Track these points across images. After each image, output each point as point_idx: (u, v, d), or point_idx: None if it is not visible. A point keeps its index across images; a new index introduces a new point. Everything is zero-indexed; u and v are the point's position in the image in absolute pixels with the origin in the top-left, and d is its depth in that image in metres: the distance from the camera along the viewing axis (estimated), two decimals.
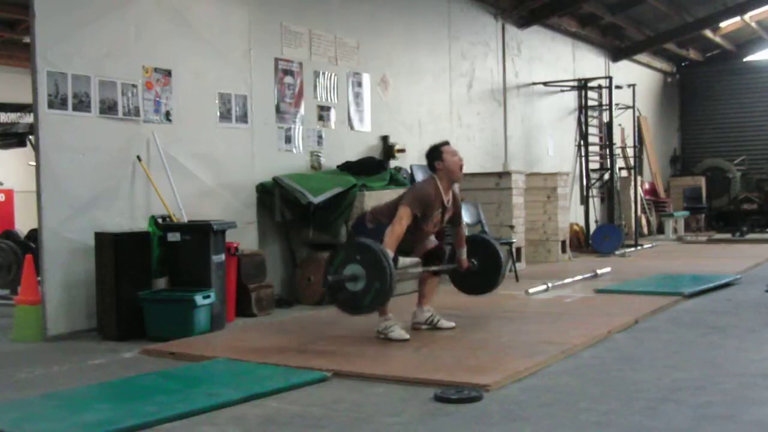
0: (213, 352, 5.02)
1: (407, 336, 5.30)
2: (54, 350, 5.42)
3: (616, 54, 15.50)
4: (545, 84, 12.96)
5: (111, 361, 5.01)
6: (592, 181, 13.56)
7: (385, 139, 9.11)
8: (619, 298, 7.06)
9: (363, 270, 4.90)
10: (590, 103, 13.60)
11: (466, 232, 5.99)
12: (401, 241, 5.24)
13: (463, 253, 5.89)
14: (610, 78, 13.59)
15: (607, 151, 13.76)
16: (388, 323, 5.35)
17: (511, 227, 9.51)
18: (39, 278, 5.91)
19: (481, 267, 6.03)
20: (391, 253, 5.02)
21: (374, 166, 8.06)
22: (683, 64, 18.92)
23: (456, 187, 5.78)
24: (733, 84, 18.53)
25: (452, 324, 5.75)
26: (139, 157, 6.33)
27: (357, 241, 5.10)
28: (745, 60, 18.75)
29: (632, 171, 14.59)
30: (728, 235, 14.86)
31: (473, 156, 10.98)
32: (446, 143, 5.67)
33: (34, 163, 5.91)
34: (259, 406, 3.80)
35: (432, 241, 5.78)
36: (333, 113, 8.38)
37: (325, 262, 5.17)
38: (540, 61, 12.93)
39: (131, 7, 6.38)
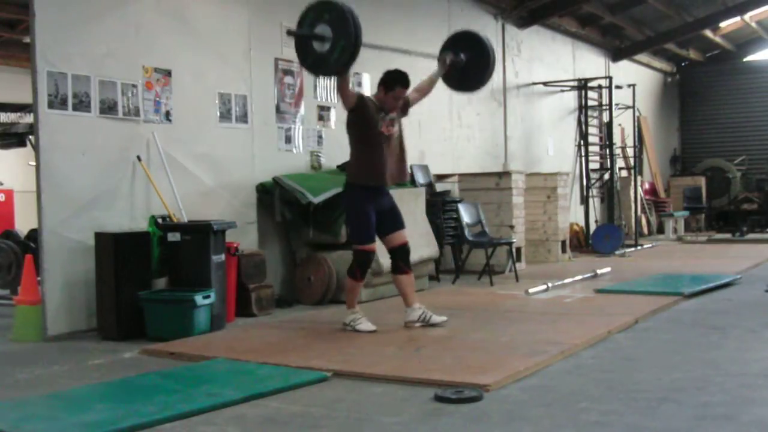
0: (213, 352, 5.02)
1: (374, 327, 5.53)
2: (54, 350, 5.42)
3: (616, 54, 15.50)
4: (545, 84, 12.96)
5: (111, 361, 5.01)
6: (592, 181, 13.56)
7: None
8: (619, 298, 7.06)
9: (330, 30, 5.04)
10: (590, 103, 13.60)
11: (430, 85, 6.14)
12: (371, 153, 5.58)
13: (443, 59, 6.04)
14: (610, 78, 13.59)
15: (607, 151, 13.76)
16: (355, 316, 5.62)
17: (511, 227, 9.51)
18: (39, 278, 5.91)
19: (469, 60, 6.11)
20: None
21: None
22: (683, 64, 18.92)
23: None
24: (733, 84, 18.52)
25: (444, 318, 5.81)
26: (139, 157, 6.33)
27: (326, 0, 5.18)
28: (745, 60, 18.75)
29: (632, 171, 14.59)
30: (728, 235, 14.86)
31: (473, 156, 10.99)
32: (403, 84, 5.69)
33: (34, 163, 5.91)
34: (259, 406, 3.80)
35: (402, 236, 5.82)
36: (333, 113, 8.37)
37: (297, 21, 5.29)
38: (540, 61, 12.93)
39: (131, 7, 6.38)
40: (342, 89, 5.59)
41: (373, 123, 5.62)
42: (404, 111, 5.93)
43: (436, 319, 5.78)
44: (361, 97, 5.69)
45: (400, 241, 5.80)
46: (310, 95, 8.10)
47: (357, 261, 5.68)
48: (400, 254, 5.79)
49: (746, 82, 18.43)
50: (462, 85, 6.36)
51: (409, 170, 6.06)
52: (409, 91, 5.86)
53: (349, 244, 7.30)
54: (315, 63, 5.31)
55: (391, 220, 5.78)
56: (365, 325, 5.58)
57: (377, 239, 5.78)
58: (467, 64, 6.17)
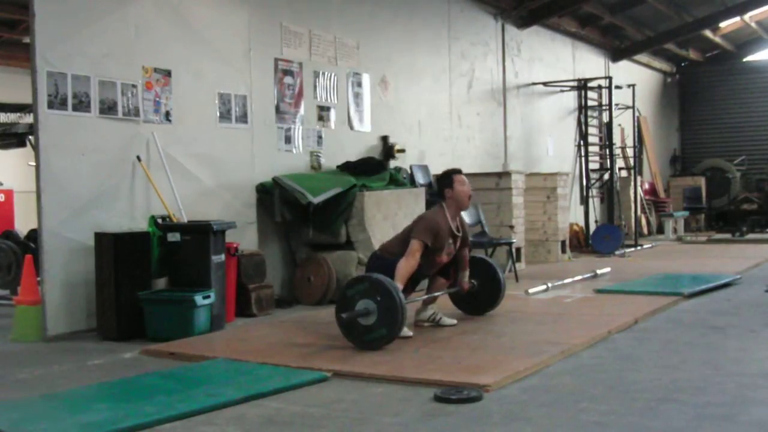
0: (213, 352, 5.02)
1: (410, 333, 5.36)
2: (54, 350, 5.42)
3: (616, 54, 15.50)
4: (545, 84, 12.97)
5: (111, 361, 5.01)
6: (592, 181, 13.56)
7: (384, 139, 9.11)
8: (619, 298, 7.06)
9: (376, 310, 4.92)
10: (590, 103, 13.60)
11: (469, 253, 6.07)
12: (415, 271, 5.36)
13: (466, 275, 5.93)
14: (610, 78, 13.59)
15: (607, 151, 13.75)
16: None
17: (511, 227, 9.50)
18: (39, 278, 5.91)
19: (481, 287, 6.10)
20: (400, 286, 5.10)
21: (374, 166, 8.06)
22: (683, 64, 18.92)
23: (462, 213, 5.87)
24: (733, 84, 18.53)
25: (454, 321, 5.83)
26: (139, 158, 6.33)
27: (385, 284, 4.98)
28: (745, 60, 18.76)
29: (632, 171, 14.59)
30: (728, 235, 14.86)
31: (473, 156, 10.99)
32: (458, 171, 5.76)
33: (34, 163, 5.91)
34: (259, 406, 3.80)
35: (466, 254, 5.87)
36: (333, 113, 8.38)
37: (348, 282, 5.19)
38: (540, 62, 12.93)
39: (131, 7, 6.38)
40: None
41: (437, 248, 5.50)
42: (461, 243, 5.77)
43: (446, 321, 5.80)
44: (430, 234, 5.44)
45: (467, 257, 5.86)
46: (309, 95, 8.10)
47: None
48: (450, 265, 5.78)
49: (746, 82, 18.44)
50: (474, 310, 6.23)
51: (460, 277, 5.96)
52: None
53: (348, 243, 7.36)
54: (351, 330, 5.07)
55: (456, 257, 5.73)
56: (403, 330, 5.28)
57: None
58: (478, 290, 6.09)
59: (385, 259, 5.56)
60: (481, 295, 6.13)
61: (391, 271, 5.27)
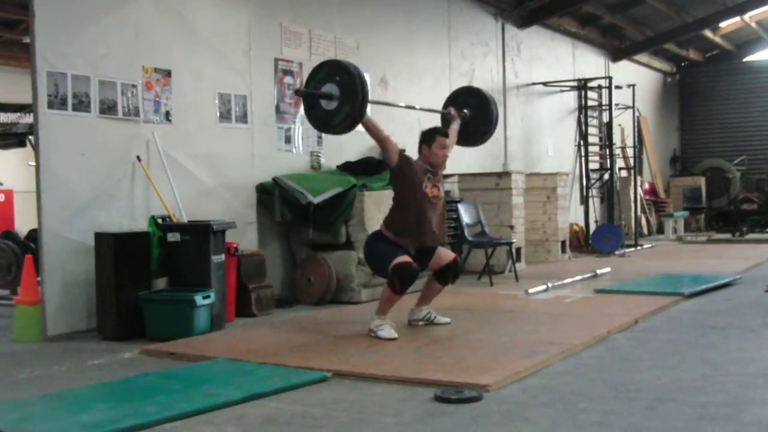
0: (213, 352, 5.02)
1: (395, 335, 5.34)
2: (54, 350, 5.42)
3: (616, 54, 15.50)
4: (545, 84, 12.96)
5: (111, 361, 5.01)
6: (592, 181, 13.56)
7: None
8: (619, 298, 7.06)
9: (339, 91, 5.11)
10: (590, 103, 13.60)
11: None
12: (414, 212, 5.47)
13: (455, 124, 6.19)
14: (610, 78, 13.59)
15: (607, 151, 13.76)
16: (380, 322, 5.43)
17: (511, 227, 9.50)
18: (39, 278, 5.91)
19: (473, 116, 6.25)
20: (370, 117, 5.38)
21: (374, 166, 8.05)
22: (683, 64, 18.92)
23: None
24: (733, 84, 18.53)
25: (447, 320, 5.85)
26: (138, 158, 6.33)
27: (342, 62, 5.28)
28: (745, 60, 18.76)
29: (632, 171, 14.59)
30: (728, 235, 14.86)
31: (473, 156, 10.97)
32: (443, 133, 5.77)
33: (34, 163, 5.91)
34: (259, 406, 3.80)
35: (448, 254, 5.81)
36: None
37: (309, 74, 5.37)
38: (540, 61, 12.93)
39: (131, 7, 6.38)
40: (374, 134, 5.49)
41: (418, 181, 5.54)
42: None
43: (441, 319, 5.82)
44: (404, 155, 5.61)
45: (447, 260, 5.72)
46: None
47: (397, 274, 5.33)
48: (452, 270, 5.76)
49: (746, 82, 18.44)
50: (465, 140, 6.39)
51: (442, 235, 6.08)
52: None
53: (348, 243, 7.35)
54: (319, 119, 5.35)
55: (430, 251, 5.70)
56: (387, 332, 5.35)
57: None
58: (470, 119, 6.29)
59: (373, 243, 5.61)
60: (472, 125, 6.28)
61: (374, 257, 5.51)
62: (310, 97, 5.28)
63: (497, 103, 6.53)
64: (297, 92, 5.36)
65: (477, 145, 6.63)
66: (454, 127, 6.21)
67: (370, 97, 5.31)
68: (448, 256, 5.77)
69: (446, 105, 6.54)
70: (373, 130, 5.50)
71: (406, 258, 5.39)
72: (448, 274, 5.77)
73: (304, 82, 7.95)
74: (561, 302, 6.94)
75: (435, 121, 10.07)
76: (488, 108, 6.36)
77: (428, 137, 5.70)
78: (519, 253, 9.64)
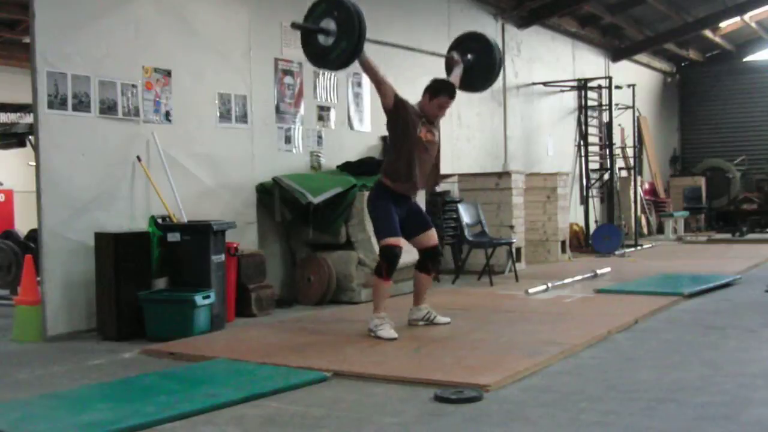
0: (213, 352, 5.02)
1: (395, 335, 5.35)
2: (54, 350, 5.42)
3: (616, 54, 15.50)
4: (545, 84, 12.96)
5: (111, 361, 5.01)
6: (592, 181, 13.56)
7: (385, 139, 9.08)
8: (619, 298, 7.07)
9: (336, 27, 5.12)
10: (590, 103, 13.60)
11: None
12: (406, 156, 5.52)
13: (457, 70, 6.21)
14: (610, 78, 13.60)
15: (607, 151, 13.76)
16: (378, 321, 5.44)
17: (511, 227, 9.51)
18: (39, 278, 5.91)
19: (476, 61, 6.23)
20: (368, 57, 5.36)
21: (374, 166, 8.04)
22: (683, 64, 18.93)
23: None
24: (733, 84, 18.53)
25: (447, 320, 5.85)
26: (139, 157, 6.33)
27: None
28: (745, 60, 18.76)
29: (632, 171, 14.60)
30: (728, 235, 14.86)
31: (473, 156, 10.99)
32: (449, 95, 5.72)
33: (34, 163, 5.91)
34: (259, 406, 3.80)
35: (432, 237, 5.80)
36: (333, 113, 8.38)
37: (308, 9, 5.37)
38: (540, 61, 12.92)
39: (131, 7, 6.38)
40: (370, 74, 5.52)
41: (412, 126, 5.56)
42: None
43: (440, 319, 5.82)
44: (399, 98, 5.63)
45: (431, 243, 5.76)
46: (309, 95, 8.10)
47: (383, 257, 5.51)
48: (430, 255, 5.78)
49: (746, 82, 18.44)
50: (468, 86, 6.39)
51: (435, 182, 6.08)
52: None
53: (348, 244, 7.35)
54: (315, 55, 5.38)
55: (420, 222, 5.74)
56: (386, 332, 5.37)
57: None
58: (473, 65, 6.27)
59: (375, 199, 5.64)
60: (475, 69, 6.26)
61: (374, 219, 5.60)
62: (306, 31, 5.27)
63: (501, 52, 6.45)
64: (293, 25, 5.35)
65: (479, 90, 6.62)
66: (457, 73, 6.20)
67: (370, 36, 5.29)
68: (431, 239, 5.78)
69: (450, 50, 6.47)
70: (369, 71, 5.50)
71: (393, 239, 5.47)
72: (427, 262, 5.78)
73: (303, 81, 8.04)
74: (561, 302, 6.94)
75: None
76: (492, 53, 6.30)
77: (434, 90, 5.68)
78: (519, 253, 9.64)
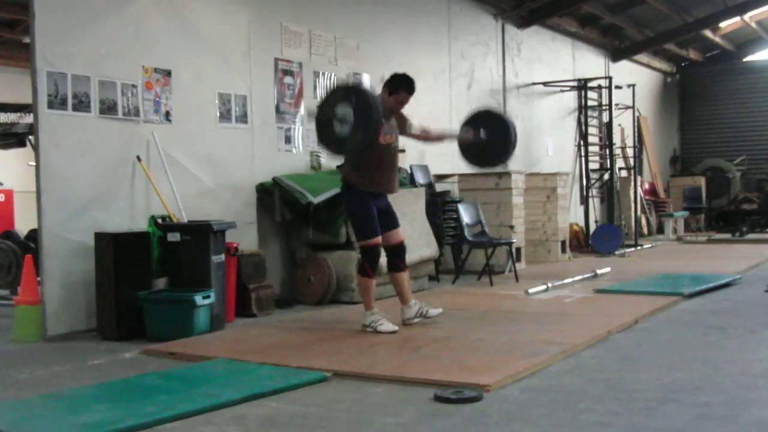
0: (213, 352, 5.02)
1: (395, 327, 5.45)
2: (54, 350, 5.42)
3: (616, 54, 15.50)
4: (545, 84, 12.96)
5: (111, 361, 5.01)
6: (592, 181, 13.56)
7: None
8: (619, 298, 7.06)
9: (352, 116, 5.11)
10: (590, 103, 13.60)
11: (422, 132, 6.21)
12: (370, 166, 5.56)
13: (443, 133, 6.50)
14: (610, 78, 13.59)
15: (607, 151, 13.76)
16: (374, 317, 5.52)
17: (511, 227, 9.50)
18: (39, 278, 5.91)
19: (490, 138, 6.21)
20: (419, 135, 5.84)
21: None
22: (683, 64, 18.92)
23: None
24: (733, 84, 18.53)
25: (440, 310, 5.88)
26: (138, 157, 6.33)
27: (358, 86, 5.34)
28: (745, 60, 18.75)
29: (632, 171, 14.60)
30: (728, 235, 14.86)
31: None
32: (408, 91, 5.73)
33: (34, 163, 5.91)
34: (259, 406, 3.80)
35: (398, 235, 5.83)
36: None
37: (326, 94, 5.40)
38: (540, 61, 12.92)
39: (131, 7, 6.38)
40: (425, 141, 6.13)
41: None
42: (401, 130, 5.91)
43: (433, 312, 5.82)
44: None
45: (397, 240, 5.82)
46: (309, 95, 8.10)
47: (365, 256, 5.66)
48: (397, 252, 5.81)
49: (746, 82, 18.44)
50: (481, 162, 6.48)
51: (398, 184, 6.06)
52: (416, 122, 5.92)
53: (348, 244, 7.34)
54: (330, 142, 5.38)
55: (386, 220, 5.79)
56: (386, 326, 5.50)
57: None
58: (487, 142, 6.27)
59: (352, 201, 5.69)
60: (491, 146, 6.27)
61: (355, 220, 5.67)
62: (322, 121, 5.26)
63: (506, 115, 6.52)
64: (311, 115, 5.42)
65: (492, 166, 6.73)
66: (445, 134, 6.39)
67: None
68: (397, 237, 5.82)
69: (465, 123, 6.50)
70: (423, 140, 6.10)
71: (374, 240, 5.62)
72: (395, 259, 5.81)
73: (303, 81, 8.04)
74: (561, 302, 6.94)
75: (436, 121, 10.09)
76: (507, 133, 6.31)
77: (394, 87, 5.70)
78: (519, 253, 9.64)
